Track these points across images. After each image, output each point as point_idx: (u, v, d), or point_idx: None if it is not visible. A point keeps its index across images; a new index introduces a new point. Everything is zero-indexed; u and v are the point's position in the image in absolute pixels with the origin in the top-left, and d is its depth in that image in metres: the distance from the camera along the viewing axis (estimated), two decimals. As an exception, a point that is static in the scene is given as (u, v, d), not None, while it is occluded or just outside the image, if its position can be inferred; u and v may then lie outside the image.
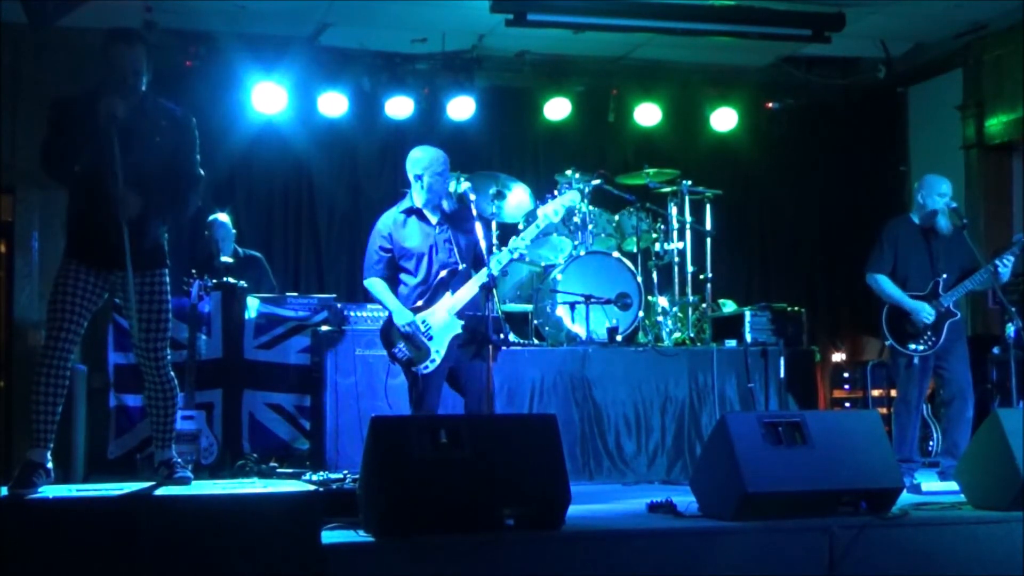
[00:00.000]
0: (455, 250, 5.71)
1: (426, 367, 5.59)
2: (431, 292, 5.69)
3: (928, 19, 8.69)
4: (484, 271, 5.61)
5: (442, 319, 5.63)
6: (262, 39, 8.61)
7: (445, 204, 5.83)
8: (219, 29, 8.43)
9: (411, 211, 5.80)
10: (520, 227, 7.71)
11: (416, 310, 5.67)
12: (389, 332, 5.69)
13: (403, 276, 5.79)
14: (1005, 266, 6.35)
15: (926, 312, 6.34)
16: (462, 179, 7.12)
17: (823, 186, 10.20)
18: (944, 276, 6.42)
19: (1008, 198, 9.25)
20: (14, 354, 8.20)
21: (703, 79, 9.64)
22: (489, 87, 9.38)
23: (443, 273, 5.69)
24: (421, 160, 5.77)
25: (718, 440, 4.89)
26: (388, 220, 5.83)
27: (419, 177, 5.75)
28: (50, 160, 4.58)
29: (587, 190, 7.79)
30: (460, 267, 5.69)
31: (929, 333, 6.36)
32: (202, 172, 4.82)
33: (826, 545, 4.52)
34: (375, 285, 5.79)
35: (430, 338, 5.61)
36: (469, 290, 5.65)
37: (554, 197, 6.74)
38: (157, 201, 4.64)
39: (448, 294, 5.66)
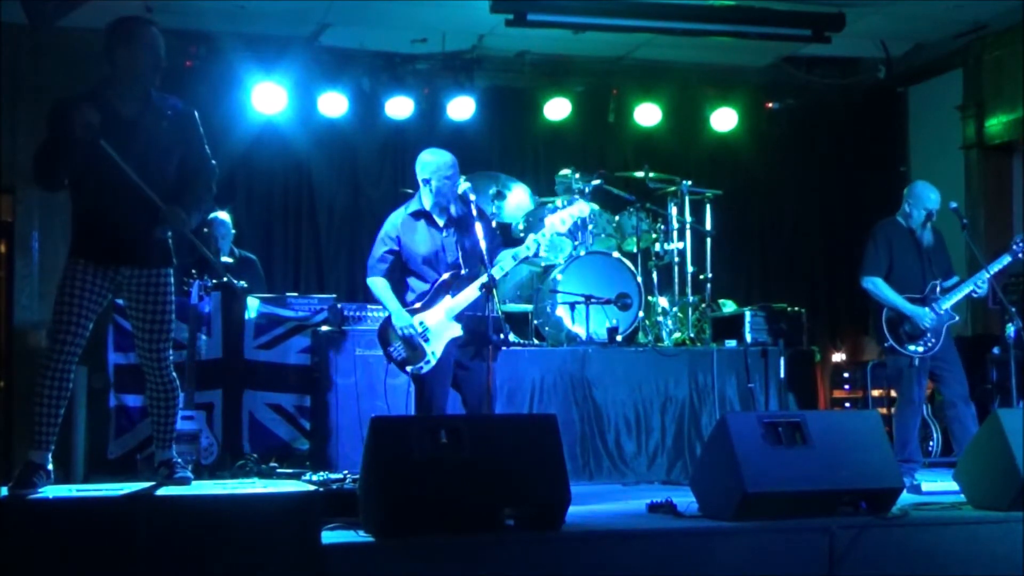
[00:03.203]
0: (460, 253, 5.76)
1: (420, 368, 5.65)
2: (432, 294, 5.73)
3: (928, 19, 8.69)
4: (484, 274, 5.64)
5: (440, 321, 5.67)
6: (262, 39, 8.61)
7: (453, 208, 5.84)
8: (219, 29, 8.44)
9: (419, 214, 5.83)
10: (520, 227, 7.74)
11: (415, 311, 5.71)
12: (386, 332, 5.76)
13: (409, 279, 5.83)
14: (980, 289, 6.42)
15: (928, 318, 6.34)
16: (462, 179, 7.12)
17: (823, 186, 10.20)
18: (939, 280, 6.44)
19: (1008, 198, 9.26)
20: (14, 354, 8.20)
21: (703, 79, 9.65)
22: (489, 87, 9.39)
23: (445, 276, 5.73)
24: (430, 164, 5.80)
25: (718, 440, 4.89)
26: (396, 222, 5.86)
27: (427, 180, 5.78)
28: (41, 170, 4.48)
29: (587, 190, 7.79)
30: (463, 271, 5.73)
31: (929, 335, 6.36)
32: (214, 163, 4.74)
33: (826, 545, 4.52)
34: (377, 284, 5.82)
35: (427, 340, 5.65)
36: (469, 294, 5.67)
37: (557, 208, 6.71)
38: (168, 194, 4.51)
39: (448, 297, 5.69)
